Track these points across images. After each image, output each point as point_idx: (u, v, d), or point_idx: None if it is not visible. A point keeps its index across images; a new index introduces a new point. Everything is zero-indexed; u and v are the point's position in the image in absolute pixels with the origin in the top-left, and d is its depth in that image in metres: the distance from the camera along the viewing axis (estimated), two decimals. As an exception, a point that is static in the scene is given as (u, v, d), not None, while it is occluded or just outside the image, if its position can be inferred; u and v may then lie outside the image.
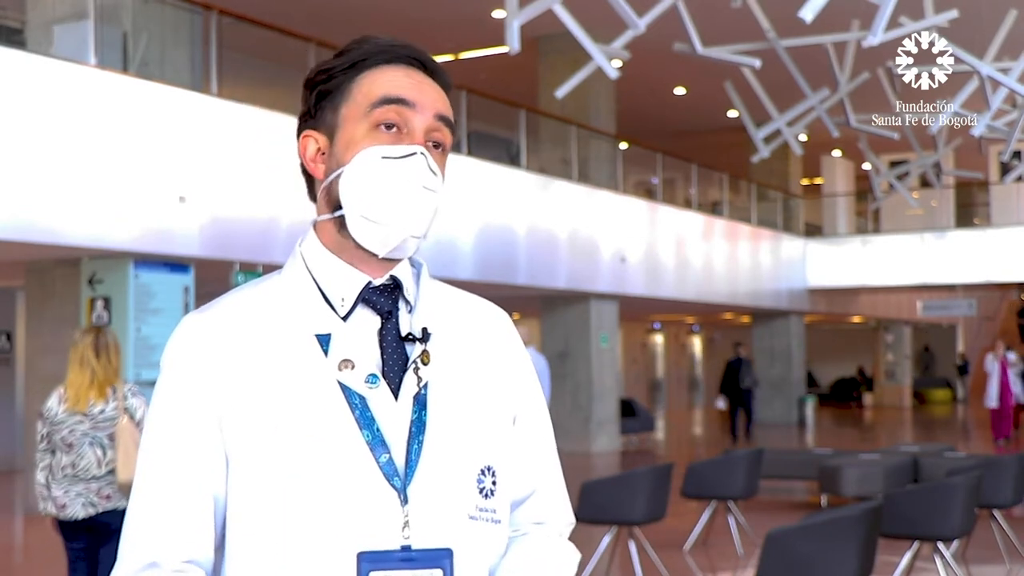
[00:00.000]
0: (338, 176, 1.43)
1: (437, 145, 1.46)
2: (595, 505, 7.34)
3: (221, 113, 11.00)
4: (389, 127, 1.42)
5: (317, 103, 1.47)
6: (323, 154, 1.47)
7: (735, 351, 21.78)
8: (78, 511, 4.88)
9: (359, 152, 1.42)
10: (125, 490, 4.84)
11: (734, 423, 20.74)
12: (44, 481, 4.95)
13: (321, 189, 1.46)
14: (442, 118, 1.45)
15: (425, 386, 1.42)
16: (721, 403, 22.06)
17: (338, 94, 1.45)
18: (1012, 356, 19.59)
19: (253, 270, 11.17)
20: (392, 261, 1.45)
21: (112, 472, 4.88)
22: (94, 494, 4.88)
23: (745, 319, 27.42)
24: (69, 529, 4.97)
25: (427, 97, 1.44)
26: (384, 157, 1.40)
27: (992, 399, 18.91)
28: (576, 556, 1.59)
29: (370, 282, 1.44)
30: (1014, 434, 19.43)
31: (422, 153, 1.41)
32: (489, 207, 14.72)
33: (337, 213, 1.43)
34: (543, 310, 17.90)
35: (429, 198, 1.42)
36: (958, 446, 16.26)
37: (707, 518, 9.13)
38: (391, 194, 1.40)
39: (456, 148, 14.62)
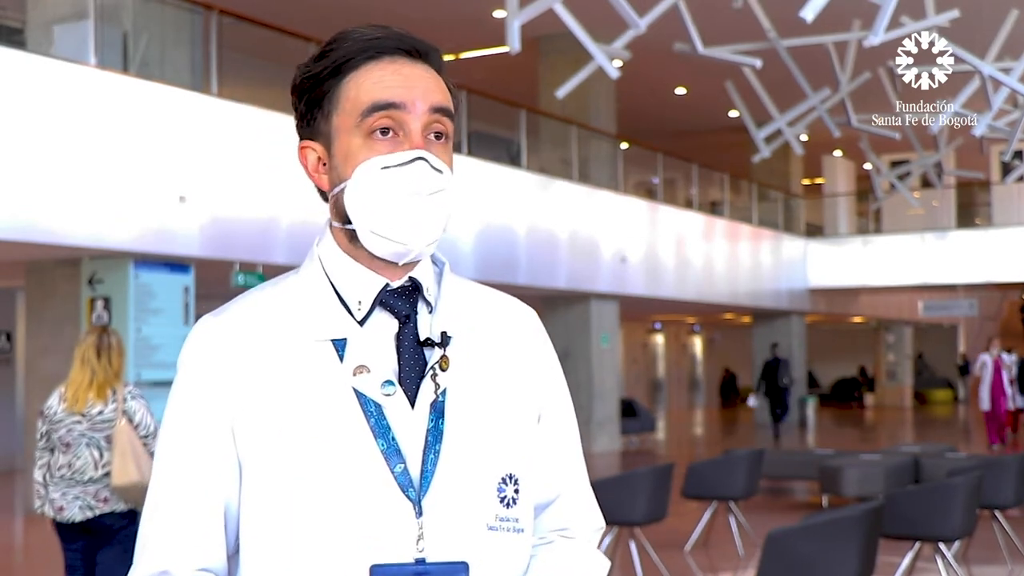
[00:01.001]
0: (342, 190, 1.38)
1: (439, 135, 1.39)
2: (596, 505, 7.32)
3: (221, 113, 10.99)
4: (384, 132, 1.36)
5: (308, 111, 1.41)
6: (324, 164, 1.41)
7: (772, 351, 22.65)
8: (75, 514, 4.85)
9: (358, 166, 1.36)
10: (120, 494, 4.81)
11: (775, 418, 21.56)
12: (41, 480, 4.93)
13: (329, 200, 1.42)
14: (438, 109, 1.37)
15: (443, 393, 1.37)
16: (753, 401, 23.10)
17: (327, 102, 1.39)
18: (1008, 357, 18.74)
19: (253, 270, 11.17)
20: (411, 264, 1.41)
21: (108, 475, 4.83)
22: (91, 497, 4.84)
23: (746, 319, 27.42)
24: (66, 531, 4.94)
25: (418, 92, 1.36)
26: (384, 168, 1.35)
27: (984, 401, 18.04)
28: (605, 564, 1.53)
29: (387, 285, 1.39)
30: (1010, 438, 18.78)
31: (422, 157, 1.35)
32: (489, 207, 14.71)
33: (348, 226, 1.38)
34: (543, 310, 17.89)
35: (438, 201, 1.36)
36: (959, 446, 16.23)
37: (708, 518, 9.11)
38: (398, 209, 1.34)
39: (456, 148, 14.56)
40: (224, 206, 10.81)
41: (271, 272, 10.87)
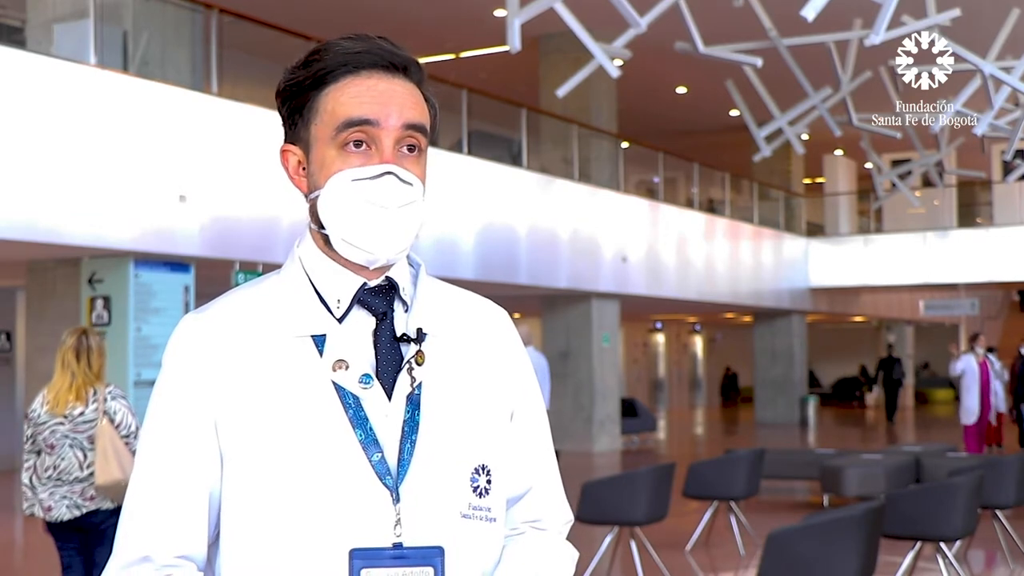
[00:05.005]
0: (316, 198, 1.45)
1: (412, 148, 1.45)
2: (596, 505, 7.32)
3: (221, 113, 10.98)
4: (358, 144, 1.43)
5: (290, 116, 1.49)
6: (304, 168, 1.49)
7: (888, 351, 27.65)
8: (63, 513, 4.92)
9: (331, 177, 1.42)
10: (103, 492, 4.86)
11: (889, 407, 25.76)
12: (29, 482, 5.01)
13: (307, 203, 1.48)
14: (411, 125, 1.44)
15: (419, 386, 1.43)
16: (875, 391, 28.42)
17: (307, 111, 1.46)
18: (996, 361, 15.82)
19: (253, 269, 11.16)
20: (386, 266, 1.47)
21: (93, 474, 4.90)
22: (78, 496, 4.92)
23: (747, 319, 27.41)
24: (58, 530, 5.02)
25: (393, 108, 1.42)
26: (355, 180, 1.41)
27: (972, 413, 14.82)
28: (574, 555, 1.59)
29: (365, 284, 1.46)
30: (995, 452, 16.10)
31: (392, 172, 1.41)
32: (490, 207, 14.70)
33: (323, 231, 1.45)
34: (544, 310, 17.88)
35: (406, 214, 1.42)
36: (960, 446, 16.21)
37: (709, 518, 9.11)
38: (367, 220, 1.40)
39: (457, 147, 14.70)
40: (224, 206, 10.80)
41: (271, 272, 10.85)
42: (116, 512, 4.90)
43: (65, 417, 4.91)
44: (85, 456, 4.90)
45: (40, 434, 4.95)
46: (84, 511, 4.91)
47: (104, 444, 4.82)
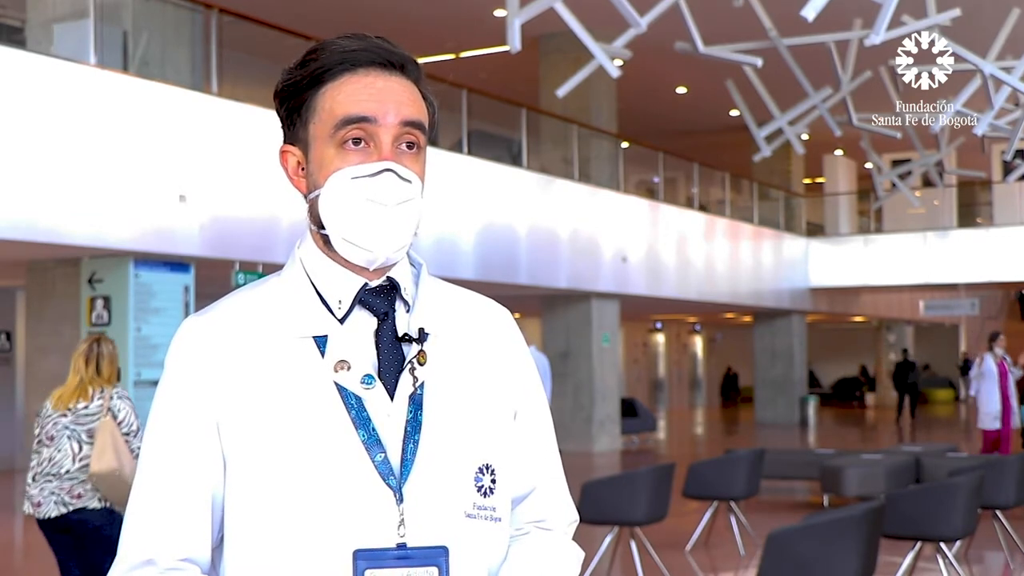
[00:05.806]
0: (316, 197, 1.45)
1: (411, 145, 1.45)
2: (596, 505, 7.32)
3: (221, 113, 10.98)
4: (357, 142, 1.42)
5: (288, 117, 1.49)
6: (303, 168, 1.49)
7: (903, 355, 28.20)
8: (51, 509, 4.99)
9: (331, 176, 1.42)
10: (97, 482, 4.93)
11: (901, 408, 26.07)
12: (30, 480, 5.10)
13: (307, 204, 1.48)
14: (409, 122, 1.43)
15: (421, 386, 1.42)
16: (894, 393, 28.74)
17: (305, 110, 1.46)
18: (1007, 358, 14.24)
19: (253, 270, 11.16)
20: (387, 266, 1.46)
21: (83, 469, 4.98)
22: (65, 493, 4.98)
23: (747, 319, 27.41)
24: (48, 530, 5.10)
25: (390, 105, 1.42)
26: (354, 178, 1.41)
27: (993, 417, 13.51)
28: (580, 555, 1.59)
29: (366, 284, 1.45)
30: None
31: (390, 169, 1.41)
32: (490, 207, 14.70)
33: (323, 231, 1.45)
34: (544, 310, 17.88)
35: (406, 210, 1.42)
36: (960, 446, 16.20)
37: (709, 518, 9.11)
38: (367, 218, 1.40)
39: (457, 147, 14.70)
40: (224, 206, 10.80)
41: (271, 272, 10.84)
42: (104, 512, 4.95)
43: (69, 410, 5.02)
44: (80, 448, 4.97)
45: (44, 427, 5.05)
46: (70, 508, 4.97)
47: (104, 436, 4.92)
